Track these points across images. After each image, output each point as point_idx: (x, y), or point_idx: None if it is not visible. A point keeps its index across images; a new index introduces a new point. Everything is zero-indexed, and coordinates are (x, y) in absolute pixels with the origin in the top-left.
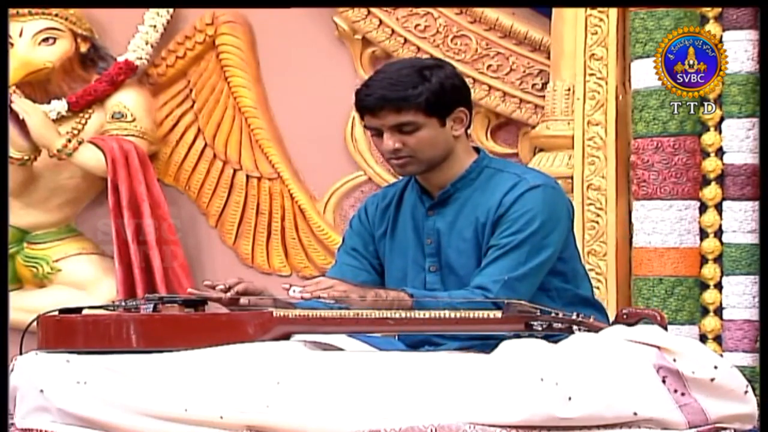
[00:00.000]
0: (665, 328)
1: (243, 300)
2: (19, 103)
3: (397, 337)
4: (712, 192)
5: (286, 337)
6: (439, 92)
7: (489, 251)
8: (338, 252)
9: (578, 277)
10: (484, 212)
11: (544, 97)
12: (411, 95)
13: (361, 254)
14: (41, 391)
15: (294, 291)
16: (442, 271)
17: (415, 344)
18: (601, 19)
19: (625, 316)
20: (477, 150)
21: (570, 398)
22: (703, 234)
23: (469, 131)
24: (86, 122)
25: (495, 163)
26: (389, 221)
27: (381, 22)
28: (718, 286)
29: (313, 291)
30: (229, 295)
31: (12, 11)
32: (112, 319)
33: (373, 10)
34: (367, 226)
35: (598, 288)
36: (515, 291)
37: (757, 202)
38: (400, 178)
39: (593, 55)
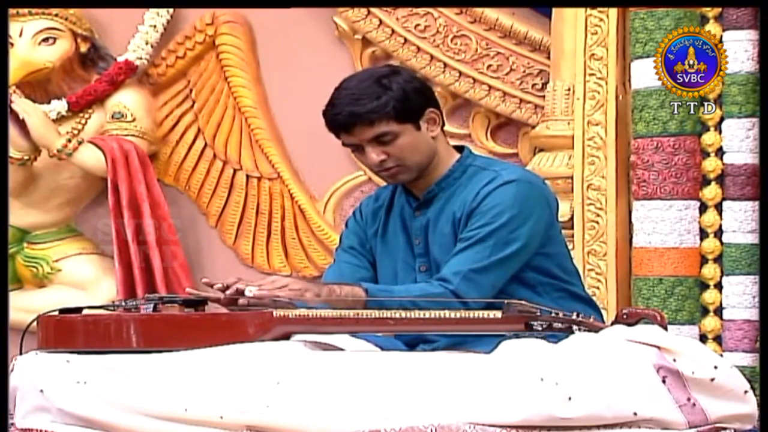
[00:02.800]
0: (665, 328)
1: (242, 300)
2: (19, 103)
3: (394, 335)
4: (712, 192)
5: (286, 337)
6: (404, 98)
7: (457, 244)
8: (336, 252)
9: (566, 273)
10: (460, 207)
11: (544, 97)
12: (378, 106)
13: (359, 252)
14: (41, 391)
15: (249, 291)
16: (432, 270)
17: (410, 341)
18: (601, 19)
19: (625, 316)
20: (461, 149)
21: (570, 398)
22: (703, 234)
23: (444, 129)
24: (86, 122)
25: (479, 161)
26: (380, 223)
27: (381, 22)
28: (718, 286)
29: (269, 290)
30: (228, 293)
31: (12, 11)
32: (112, 319)
33: (373, 10)
34: (362, 225)
35: (597, 288)
36: (477, 283)
37: (757, 202)
38: None
39: (593, 55)
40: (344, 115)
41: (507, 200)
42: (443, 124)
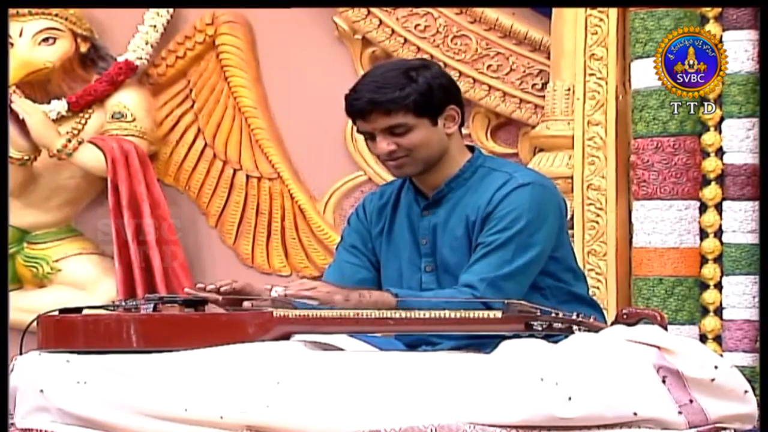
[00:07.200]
0: (665, 328)
1: (246, 303)
2: (19, 103)
3: (394, 336)
4: (712, 192)
5: (286, 337)
6: (427, 92)
7: (476, 249)
8: (337, 250)
9: (573, 276)
10: (474, 210)
11: (544, 97)
12: (399, 97)
13: (361, 251)
14: (41, 391)
15: (276, 291)
16: (438, 270)
17: (412, 343)
18: (601, 19)
19: (625, 316)
20: (471, 149)
21: (570, 398)
22: (703, 234)
23: (462, 129)
24: (86, 122)
25: (489, 162)
26: (386, 221)
27: (381, 22)
28: (718, 286)
29: (296, 291)
30: (223, 291)
31: (12, 11)
32: (112, 319)
33: (373, 10)
34: (365, 224)
35: (597, 288)
36: (502, 290)
37: (757, 202)
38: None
39: (593, 55)
40: (363, 102)
41: (523, 204)
42: (462, 123)
